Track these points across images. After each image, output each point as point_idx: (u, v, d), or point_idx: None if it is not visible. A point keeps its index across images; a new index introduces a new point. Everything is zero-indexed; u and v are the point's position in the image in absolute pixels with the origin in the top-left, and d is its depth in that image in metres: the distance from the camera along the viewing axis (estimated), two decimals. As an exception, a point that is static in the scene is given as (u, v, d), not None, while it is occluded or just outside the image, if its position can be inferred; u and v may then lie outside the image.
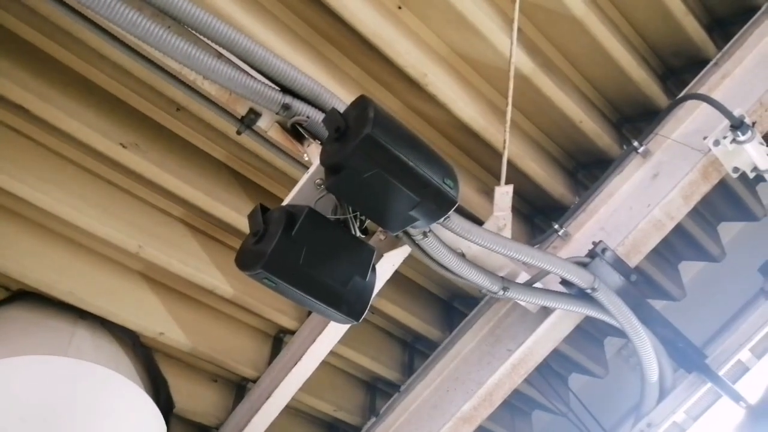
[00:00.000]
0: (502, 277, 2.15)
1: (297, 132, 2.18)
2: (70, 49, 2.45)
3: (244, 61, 2.04)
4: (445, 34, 2.78)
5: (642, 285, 3.30)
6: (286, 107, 2.09)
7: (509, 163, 2.50)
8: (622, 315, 2.33)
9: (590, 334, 4.12)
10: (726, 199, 3.73)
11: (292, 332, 3.11)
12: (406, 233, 1.88)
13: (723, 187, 3.50)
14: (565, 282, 2.33)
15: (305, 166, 2.37)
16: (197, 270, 2.76)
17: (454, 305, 3.74)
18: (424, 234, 1.88)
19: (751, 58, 2.60)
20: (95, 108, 2.50)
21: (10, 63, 2.31)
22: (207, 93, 2.26)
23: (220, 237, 2.93)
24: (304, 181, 1.83)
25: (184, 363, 3.00)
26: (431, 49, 2.78)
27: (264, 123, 2.21)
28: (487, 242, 1.94)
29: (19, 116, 2.42)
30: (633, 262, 2.54)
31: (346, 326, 2.50)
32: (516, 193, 2.25)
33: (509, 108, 2.40)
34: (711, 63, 2.83)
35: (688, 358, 2.69)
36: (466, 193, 3.04)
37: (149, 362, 2.85)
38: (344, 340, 2.75)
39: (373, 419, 3.17)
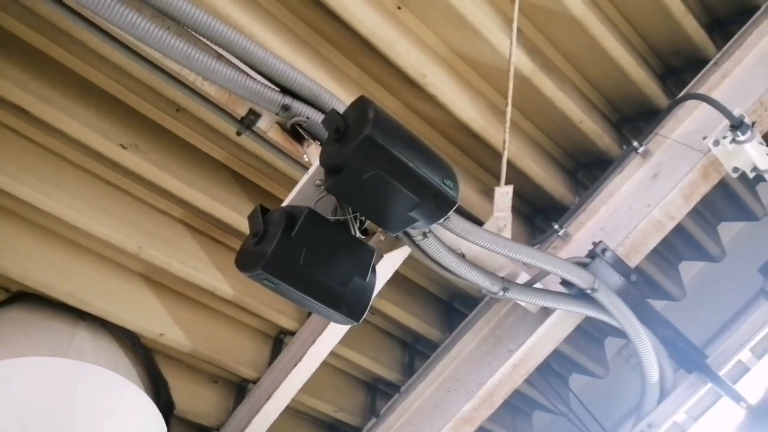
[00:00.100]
0: (502, 278, 2.15)
1: (297, 133, 2.18)
2: (70, 50, 2.45)
3: (244, 62, 2.04)
4: (444, 34, 2.78)
5: (642, 285, 3.29)
6: (285, 108, 2.09)
7: (509, 163, 2.50)
8: (622, 315, 2.33)
9: (591, 334, 4.12)
10: (726, 199, 3.73)
11: (293, 333, 3.11)
12: (406, 234, 1.88)
13: (723, 187, 3.50)
14: (565, 282, 2.33)
15: (305, 167, 2.37)
16: (197, 271, 2.76)
17: (455, 306, 3.74)
18: (424, 234, 1.88)
19: (751, 57, 2.60)
20: (95, 109, 2.50)
21: (9, 64, 2.31)
22: (207, 94, 2.26)
23: (220, 238, 2.93)
24: (304, 181, 1.83)
25: (184, 364, 3.00)
26: (431, 49, 2.78)
27: (264, 124, 2.22)
28: (487, 243, 1.94)
29: (19, 117, 2.42)
30: (633, 262, 2.54)
31: (347, 327, 2.50)
32: (516, 193, 2.25)
33: (509, 108, 2.40)
34: (711, 63, 2.83)
35: (689, 358, 2.69)
36: (466, 194, 3.04)
37: (149, 363, 2.85)
38: (344, 341, 2.75)
39: (374, 420, 3.17)
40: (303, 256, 1.56)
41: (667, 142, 2.62)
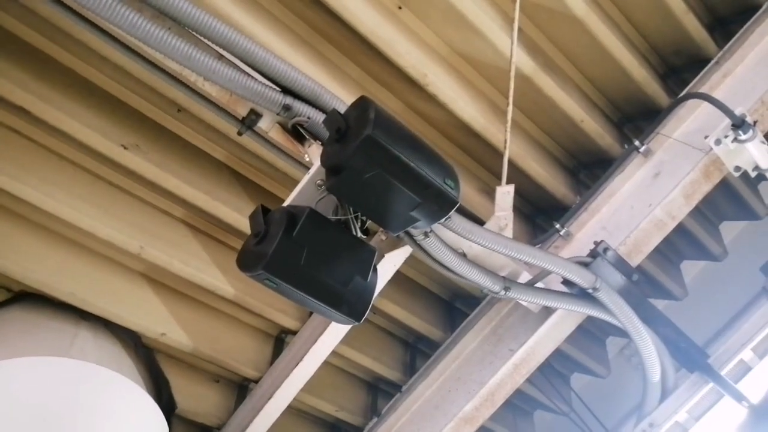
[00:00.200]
0: (503, 277, 2.15)
1: (298, 133, 2.18)
2: (71, 50, 2.46)
3: (245, 62, 2.04)
4: (445, 34, 2.78)
5: (644, 284, 3.30)
6: (286, 108, 2.10)
7: (510, 162, 2.50)
8: (623, 315, 2.33)
9: (592, 333, 4.12)
10: (728, 198, 3.73)
11: (294, 332, 3.11)
12: (408, 233, 1.88)
13: (725, 186, 3.50)
14: (566, 282, 2.33)
15: (306, 167, 2.37)
16: (198, 270, 2.76)
17: (456, 305, 3.74)
18: (426, 234, 1.88)
19: (752, 56, 2.60)
20: (96, 109, 2.50)
21: (10, 64, 2.31)
22: (208, 94, 2.26)
23: (221, 237, 2.93)
24: (305, 181, 1.83)
25: (185, 363, 3.00)
26: (432, 49, 2.78)
27: (265, 124, 2.22)
28: (489, 242, 1.94)
29: (19, 118, 2.43)
30: (635, 261, 2.53)
31: (348, 327, 2.50)
32: (517, 192, 2.25)
33: (510, 108, 2.40)
34: (712, 62, 2.82)
35: (690, 357, 2.68)
36: (467, 193, 3.04)
37: (151, 363, 2.86)
38: (346, 341, 2.75)
39: (375, 419, 3.17)
40: (304, 256, 1.56)
41: (668, 142, 2.61)
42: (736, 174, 2.37)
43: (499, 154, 2.38)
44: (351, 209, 1.71)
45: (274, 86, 2.09)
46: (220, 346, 2.94)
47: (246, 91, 2.03)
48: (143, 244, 2.62)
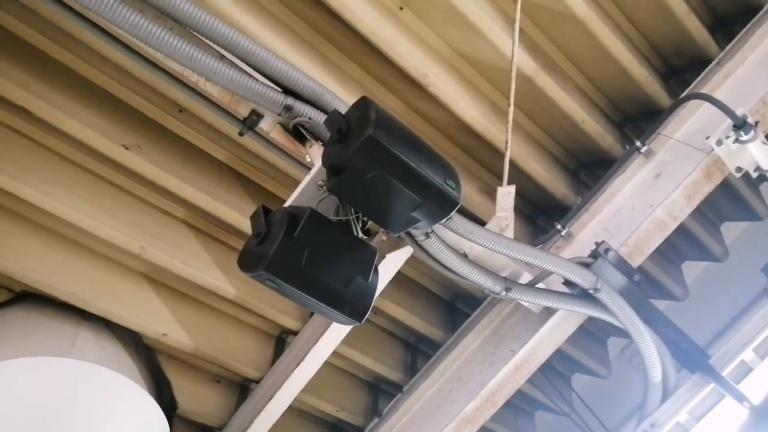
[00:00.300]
0: (504, 278, 2.15)
1: (299, 133, 2.18)
2: (72, 50, 2.46)
3: (246, 63, 2.04)
4: (446, 34, 2.78)
5: (645, 285, 3.29)
6: (288, 108, 2.10)
7: (511, 163, 2.50)
8: (624, 315, 2.33)
9: (593, 334, 4.11)
10: (729, 198, 3.72)
11: (295, 333, 3.11)
12: (409, 234, 1.88)
13: (726, 186, 3.49)
14: (567, 282, 2.32)
15: (307, 168, 2.37)
16: (199, 271, 2.76)
17: (457, 306, 3.74)
18: (427, 235, 1.87)
19: (754, 57, 2.59)
20: (97, 109, 2.50)
21: (10, 64, 2.31)
22: (209, 94, 2.26)
23: (223, 238, 2.93)
24: (306, 182, 1.83)
25: (186, 364, 3.00)
26: (433, 49, 2.78)
27: (266, 124, 2.22)
28: (490, 243, 1.94)
29: (20, 118, 2.43)
30: (636, 262, 2.53)
31: (349, 327, 2.50)
32: (518, 193, 2.25)
33: (511, 108, 2.40)
34: (713, 62, 2.82)
35: (692, 358, 2.68)
36: (468, 194, 3.04)
37: (152, 363, 2.86)
38: (347, 341, 2.75)
39: (376, 420, 3.17)
40: (305, 256, 1.56)
41: (669, 142, 2.61)
42: (738, 175, 2.37)
43: (500, 155, 2.38)
44: (352, 210, 1.71)
45: (275, 87, 2.09)
46: (221, 346, 2.94)
47: (247, 91, 2.03)
48: (144, 245, 2.62)
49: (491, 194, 3.07)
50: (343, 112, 1.58)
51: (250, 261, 1.58)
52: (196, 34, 1.96)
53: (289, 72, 2.07)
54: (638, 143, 2.66)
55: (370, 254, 1.71)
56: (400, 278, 3.14)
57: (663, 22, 3.04)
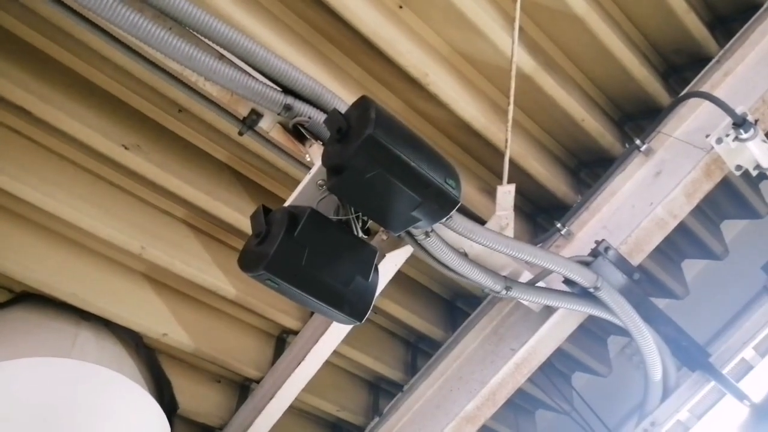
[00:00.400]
0: (504, 277, 2.15)
1: (299, 133, 2.18)
2: (72, 50, 2.45)
3: (246, 62, 2.04)
4: (446, 33, 2.78)
5: (645, 283, 3.29)
6: (287, 108, 2.10)
7: (511, 162, 2.50)
8: (625, 314, 2.33)
9: (593, 332, 4.12)
10: (729, 197, 3.73)
11: (295, 332, 3.11)
12: (409, 233, 1.88)
13: (726, 185, 3.49)
14: (568, 281, 2.32)
15: (307, 167, 2.37)
16: (200, 271, 2.76)
17: (457, 305, 3.74)
18: (427, 234, 1.87)
19: (754, 55, 2.59)
20: (97, 109, 2.50)
21: (10, 64, 2.31)
22: (209, 94, 2.26)
23: (223, 238, 2.93)
24: (306, 181, 1.83)
25: (187, 364, 3.00)
26: (432, 48, 2.77)
27: (266, 124, 2.22)
28: (490, 242, 1.94)
29: (20, 118, 2.42)
30: (636, 260, 2.53)
31: (349, 326, 2.50)
32: (518, 192, 2.25)
33: (511, 107, 2.40)
34: (713, 61, 2.82)
35: (692, 356, 2.68)
36: (468, 193, 3.04)
37: (152, 363, 2.86)
38: (347, 340, 2.75)
39: (377, 419, 3.17)
40: (305, 256, 1.56)
41: (669, 140, 2.61)
42: (738, 173, 2.37)
43: (500, 154, 2.39)
44: (352, 209, 1.71)
45: (275, 86, 2.09)
46: (221, 346, 2.94)
47: (247, 91, 2.03)
48: (144, 245, 2.62)
49: (491, 193, 3.07)
50: (343, 112, 1.58)
51: (250, 261, 1.58)
52: (195, 33, 1.96)
53: (288, 71, 2.07)
54: (638, 141, 2.66)
55: (371, 253, 1.71)
56: (400, 277, 3.14)
57: (663, 20, 3.04)
